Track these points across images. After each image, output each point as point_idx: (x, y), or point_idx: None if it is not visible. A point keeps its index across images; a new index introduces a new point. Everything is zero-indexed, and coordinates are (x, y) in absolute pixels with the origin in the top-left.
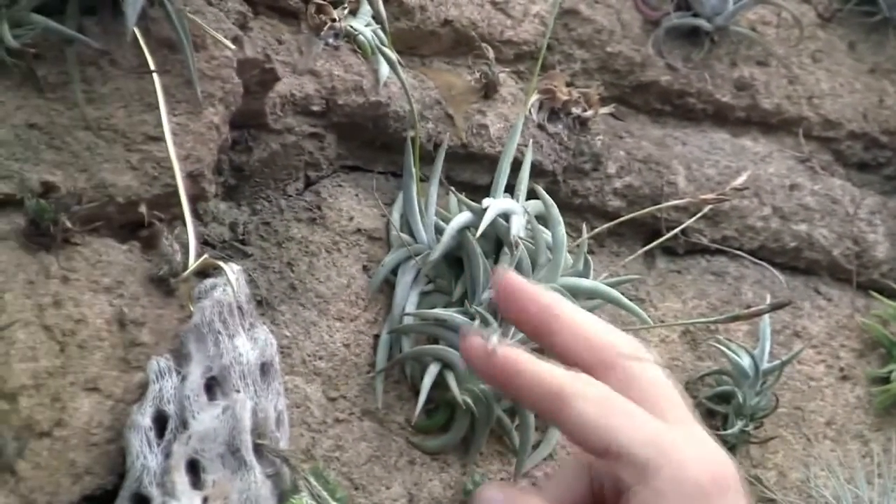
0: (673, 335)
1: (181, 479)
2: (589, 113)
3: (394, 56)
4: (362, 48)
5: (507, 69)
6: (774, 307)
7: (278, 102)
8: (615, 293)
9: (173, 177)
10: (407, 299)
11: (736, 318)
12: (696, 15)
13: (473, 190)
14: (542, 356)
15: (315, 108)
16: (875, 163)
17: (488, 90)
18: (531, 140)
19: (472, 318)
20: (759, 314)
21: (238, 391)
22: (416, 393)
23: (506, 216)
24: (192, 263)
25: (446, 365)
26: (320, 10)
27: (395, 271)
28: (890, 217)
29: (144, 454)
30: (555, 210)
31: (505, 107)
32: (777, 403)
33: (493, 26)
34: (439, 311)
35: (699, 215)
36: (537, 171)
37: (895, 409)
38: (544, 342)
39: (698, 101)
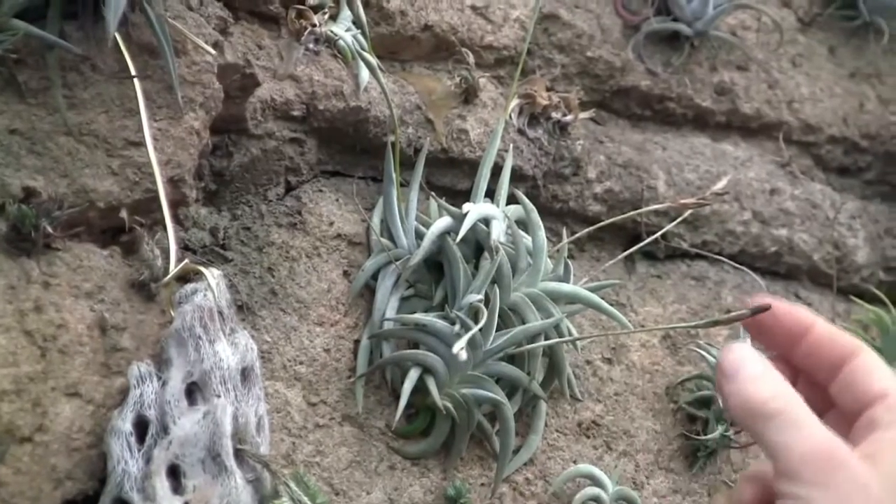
0: (653, 340)
1: (162, 484)
2: (569, 118)
3: (374, 61)
4: (343, 53)
5: (487, 74)
6: (755, 312)
7: (259, 107)
8: (596, 298)
9: (154, 182)
10: (387, 304)
11: (716, 324)
12: (676, 20)
13: (454, 195)
14: None
15: (295, 114)
16: (855, 167)
17: (468, 95)
18: (511, 145)
19: (453, 323)
20: (739, 319)
21: (219, 396)
22: (397, 398)
23: (486, 221)
24: (173, 268)
25: (427, 370)
26: (300, 15)
27: (375, 276)
28: (870, 221)
29: (125, 459)
30: (535, 215)
31: (485, 112)
32: None
33: (473, 31)
34: (419, 316)
35: (679, 220)
36: (517, 176)
37: None
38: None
39: (678, 105)
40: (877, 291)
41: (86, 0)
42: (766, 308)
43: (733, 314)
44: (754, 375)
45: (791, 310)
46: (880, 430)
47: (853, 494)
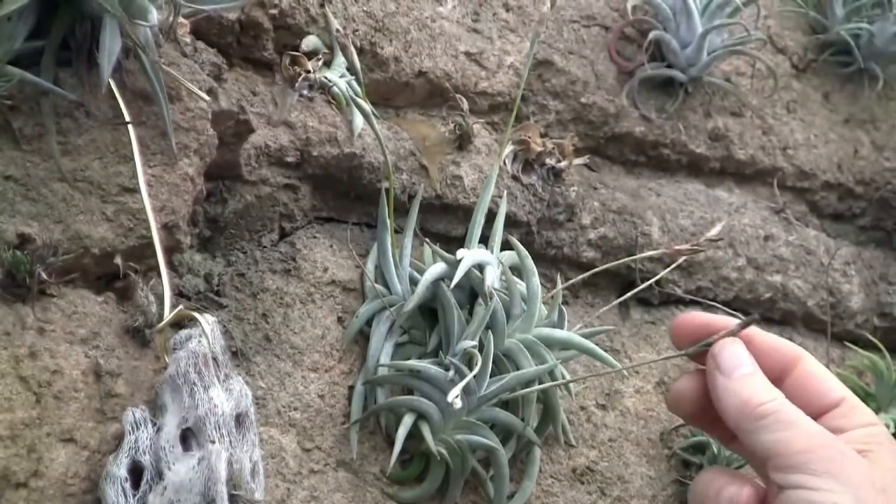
0: (648, 386)
1: None
2: (563, 164)
3: (368, 107)
4: (336, 99)
5: (481, 120)
6: (744, 325)
7: (253, 154)
8: (590, 344)
9: (148, 228)
10: (381, 350)
11: (709, 345)
12: (670, 66)
13: (448, 241)
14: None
15: (289, 160)
16: (850, 213)
17: (462, 141)
18: (505, 191)
19: (447, 369)
20: (731, 334)
21: (213, 442)
22: (391, 444)
23: (480, 267)
24: (168, 315)
25: (421, 416)
26: (294, 61)
27: (369, 322)
28: (864, 268)
29: None
30: (529, 261)
31: (479, 158)
32: None
33: (467, 77)
34: (414, 363)
35: (673, 266)
36: (511, 222)
37: None
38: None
39: (672, 151)
40: (871, 337)
41: (80, 47)
42: (755, 320)
43: (724, 332)
44: (749, 375)
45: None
46: (848, 433)
47: (863, 482)
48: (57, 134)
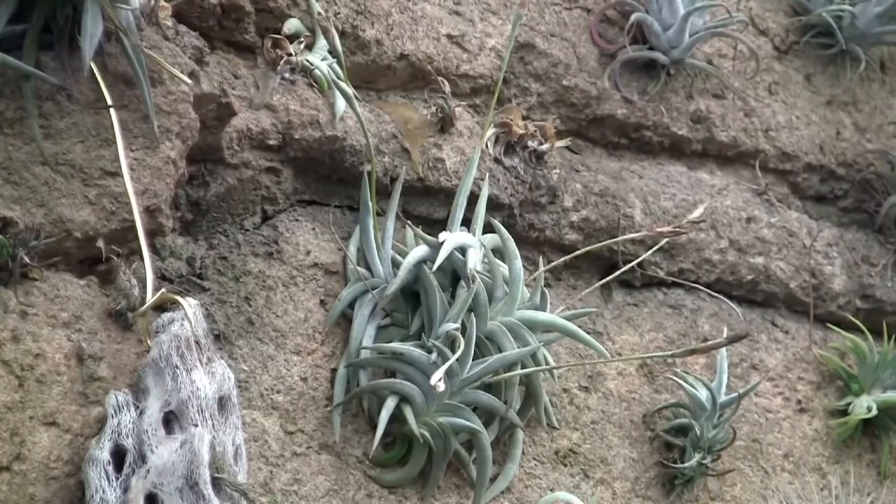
0: (630, 368)
1: None
2: (545, 146)
3: (350, 90)
4: (318, 82)
5: (463, 103)
6: (731, 340)
7: (235, 137)
8: (572, 326)
9: (130, 212)
10: (364, 333)
11: (693, 352)
12: (651, 48)
13: (430, 224)
14: None
15: (271, 143)
16: (832, 195)
17: (444, 124)
18: (488, 174)
19: (430, 352)
20: (716, 347)
21: (196, 425)
22: (374, 426)
23: (462, 250)
24: (150, 298)
25: (404, 398)
26: (276, 44)
27: (352, 305)
28: (847, 249)
29: (103, 488)
30: (511, 243)
31: (461, 140)
32: (734, 436)
33: (449, 60)
34: (396, 345)
35: (656, 248)
36: (494, 205)
37: (853, 441)
38: None
39: (655, 134)
40: (854, 319)
41: (62, 30)
42: (743, 336)
43: (710, 343)
44: None
45: None
46: None
47: None
48: (39, 117)
